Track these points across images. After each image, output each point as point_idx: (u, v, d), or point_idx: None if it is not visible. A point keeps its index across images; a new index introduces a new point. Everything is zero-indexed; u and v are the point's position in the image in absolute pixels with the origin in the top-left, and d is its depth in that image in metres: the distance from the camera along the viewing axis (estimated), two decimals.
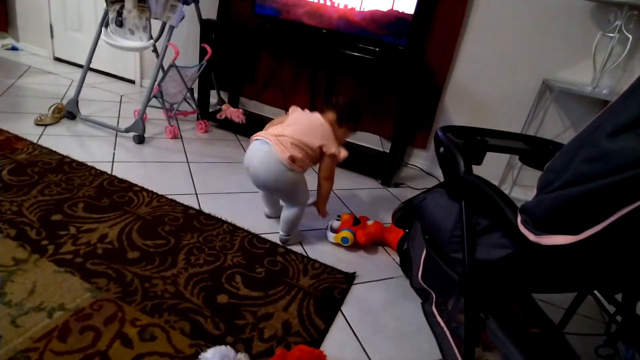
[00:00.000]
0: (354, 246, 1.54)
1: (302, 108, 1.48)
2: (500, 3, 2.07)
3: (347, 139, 1.56)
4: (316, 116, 1.44)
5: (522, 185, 2.26)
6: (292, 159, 1.32)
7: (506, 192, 2.22)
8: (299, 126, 1.38)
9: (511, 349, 0.87)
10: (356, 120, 1.47)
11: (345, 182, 2.13)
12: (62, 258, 1.20)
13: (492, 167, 2.27)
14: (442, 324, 1.14)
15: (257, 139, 1.38)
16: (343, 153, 1.41)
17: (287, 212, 1.45)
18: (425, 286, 1.22)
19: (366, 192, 2.08)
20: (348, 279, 1.36)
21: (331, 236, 1.54)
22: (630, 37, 1.78)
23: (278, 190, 1.44)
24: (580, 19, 1.93)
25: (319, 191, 1.49)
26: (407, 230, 1.40)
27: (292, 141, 1.34)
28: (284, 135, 1.35)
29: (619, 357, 0.92)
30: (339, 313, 1.22)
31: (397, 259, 1.53)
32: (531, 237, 0.65)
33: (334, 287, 1.31)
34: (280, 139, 1.34)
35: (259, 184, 1.41)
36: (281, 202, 1.61)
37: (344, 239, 1.51)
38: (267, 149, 1.33)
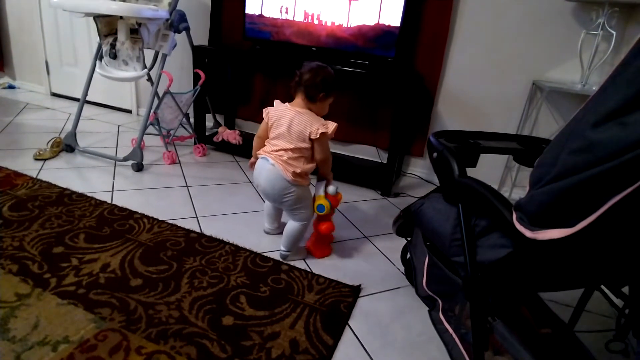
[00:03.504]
0: (357, 256, 1.53)
1: None
2: (485, 9, 2.11)
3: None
4: (290, 111, 1.36)
5: (522, 187, 2.25)
6: (295, 174, 1.35)
7: (506, 194, 2.22)
8: (285, 134, 1.36)
9: (522, 351, 0.85)
10: (325, 88, 1.36)
11: (345, 194, 2.12)
12: (65, 290, 1.19)
13: (491, 170, 2.27)
14: (451, 330, 1.12)
15: (261, 157, 1.41)
16: (331, 126, 1.34)
17: (289, 227, 1.46)
18: (430, 293, 1.21)
19: (367, 204, 2.08)
20: (354, 292, 1.35)
21: (320, 191, 1.46)
22: (614, 33, 1.81)
23: (283, 204, 1.45)
24: (564, 19, 1.97)
25: (320, 171, 1.47)
26: (408, 239, 1.39)
27: (288, 154, 1.35)
28: (280, 149, 1.37)
29: (632, 349, 0.90)
30: (347, 327, 1.20)
31: (402, 269, 1.52)
32: (527, 233, 0.65)
33: (340, 301, 1.29)
34: (279, 155, 1.36)
35: (269, 200, 1.48)
36: (283, 219, 1.61)
37: (321, 207, 1.44)
38: (269, 166, 1.37)
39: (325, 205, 1.44)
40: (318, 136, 1.33)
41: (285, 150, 1.36)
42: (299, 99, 1.39)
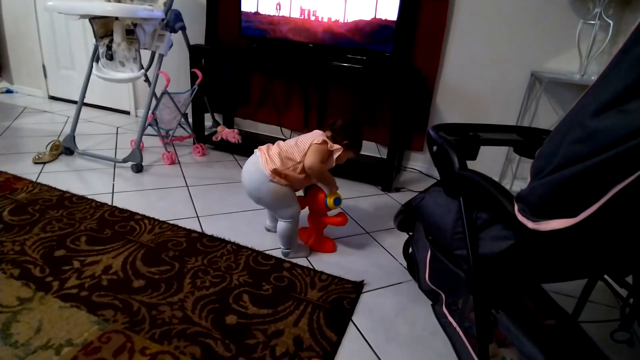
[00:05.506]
0: (359, 252, 1.53)
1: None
2: (482, 1, 2.10)
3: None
4: (313, 131, 1.47)
5: (522, 178, 2.25)
6: (275, 171, 1.34)
7: (507, 186, 2.22)
8: (292, 142, 1.42)
9: (526, 343, 0.85)
10: (352, 139, 1.46)
11: (346, 191, 2.12)
12: (68, 293, 1.19)
13: (491, 162, 2.27)
14: (455, 324, 1.12)
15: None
16: (336, 147, 1.41)
17: (279, 227, 1.46)
18: (433, 287, 1.21)
19: (368, 200, 2.07)
20: (357, 288, 1.35)
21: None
22: (612, 22, 1.80)
23: (261, 201, 1.43)
24: (561, 10, 1.96)
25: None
26: (410, 234, 1.39)
27: (280, 152, 1.37)
28: (275, 146, 1.40)
29: (637, 339, 0.90)
30: (351, 323, 1.20)
31: (404, 263, 1.52)
32: (529, 224, 0.65)
33: (343, 298, 1.29)
34: (270, 150, 1.39)
35: (247, 193, 1.43)
36: None
37: (338, 200, 1.45)
38: (254, 159, 1.40)
39: (340, 197, 1.46)
40: (319, 142, 1.37)
41: (280, 147, 1.39)
42: (326, 134, 1.45)
